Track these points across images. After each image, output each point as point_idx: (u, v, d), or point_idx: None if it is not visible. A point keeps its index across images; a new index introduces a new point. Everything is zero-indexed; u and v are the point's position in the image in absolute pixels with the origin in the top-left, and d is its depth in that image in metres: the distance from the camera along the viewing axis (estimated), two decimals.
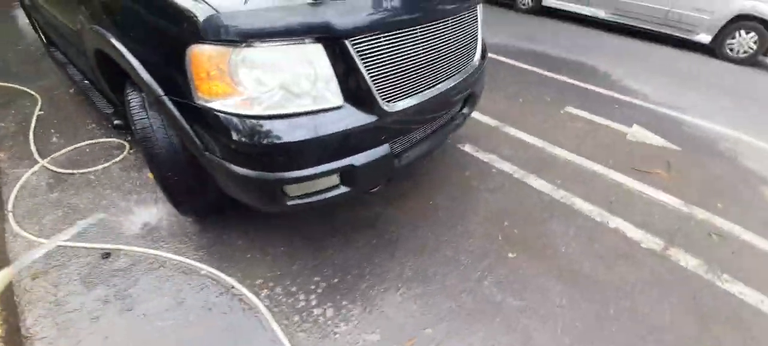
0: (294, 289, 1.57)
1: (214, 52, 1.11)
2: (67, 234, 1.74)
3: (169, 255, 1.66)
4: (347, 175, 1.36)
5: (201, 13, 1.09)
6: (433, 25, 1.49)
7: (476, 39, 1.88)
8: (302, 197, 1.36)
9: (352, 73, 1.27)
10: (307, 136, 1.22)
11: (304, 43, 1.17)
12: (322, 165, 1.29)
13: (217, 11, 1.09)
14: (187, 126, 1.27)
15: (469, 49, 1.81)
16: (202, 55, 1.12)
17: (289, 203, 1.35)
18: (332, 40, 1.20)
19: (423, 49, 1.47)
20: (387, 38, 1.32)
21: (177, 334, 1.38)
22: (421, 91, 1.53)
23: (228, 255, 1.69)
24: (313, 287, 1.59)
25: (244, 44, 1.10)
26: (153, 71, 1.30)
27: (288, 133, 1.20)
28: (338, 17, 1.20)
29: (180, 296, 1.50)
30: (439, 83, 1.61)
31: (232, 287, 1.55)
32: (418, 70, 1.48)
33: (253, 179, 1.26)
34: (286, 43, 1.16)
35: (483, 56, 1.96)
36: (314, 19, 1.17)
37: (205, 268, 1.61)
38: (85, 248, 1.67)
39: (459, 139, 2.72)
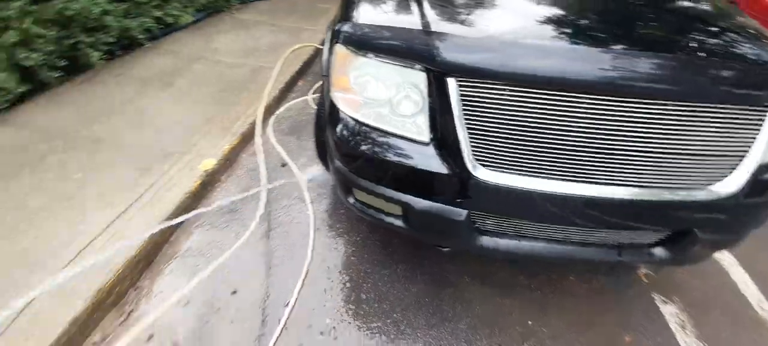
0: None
1: (343, 53, 1.23)
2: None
3: None
4: (407, 212, 1.29)
5: (344, 20, 1.27)
6: (615, 101, 1.00)
7: (735, 154, 1.12)
8: (363, 205, 1.41)
9: (446, 114, 1.10)
10: (376, 154, 1.21)
11: (413, 68, 1.13)
12: (382, 188, 1.26)
13: (352, 21, 1.24)
14: (327, 101, 1.40)
15: (698, 161, 1.10)
16: (339, 53, 1.25)
17: (352, 202, 1.42)
18: (436, 73, 1.10)
19: (572, 126, 1.04)
20: (512, 91, 1.04)
21: None
22: (542, 177, 1.11)
23: None
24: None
25: (361, 53, 1.18)
26: (327, 58, 1.50)
27: (366, 144, 1.23)
28: (448, 50, 1.08)
29: None
30: (584, 181, 1.11)
31: None
32: (547, 147, 1.07)
33: (337, 165, 1.36)
34: (395, 63, 1.15)
35: (755, 188, 1.14)
36: (424, 46, 1.11)
37: None
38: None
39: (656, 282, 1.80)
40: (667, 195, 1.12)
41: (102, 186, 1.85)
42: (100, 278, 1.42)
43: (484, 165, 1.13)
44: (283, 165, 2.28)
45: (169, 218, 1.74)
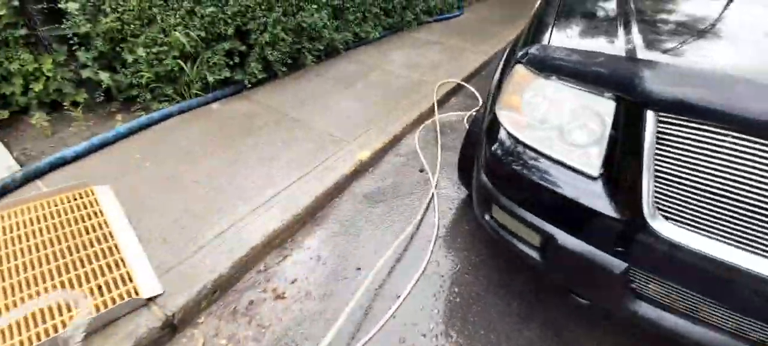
0: None
1: (523, 73, 1.23)
2: None
3: None
4: (546, 245, 1.18)
5: (531, 43, 1.27)
6: None
7: None
8: (499, 225, 1.36)
9: (631, 151, 0.96)
10: (531, 177, 1.15)
11: (601, 95, 1.04)
12: (526, 211, 1.19)
13: (541, 44, 1.23)
14: (487, 118, 1.42)
15: None
16: (518, 72, 1.25)
17: (487, 218, 1.39)
18: (631, 104, 0.97)
19: None
20: (728, 137, 0.84)
21: None
22: (748, 251, 0.87)
23: None
24: None
25: (543, 75, 1.16)
26: (498, 78, 1.54)
27: (522, 164, 1.19)
28: (655, 80, 0.94)
29: None
30: None
31: None
32: (762, 212, 0.84)
33: (482, 180, 1.35)
34: (581, 88, 1.08)
35: None
36: (624, 74, 1.00)
37: None
38: None
39: None
40: None
41: (292, 154, 2.43)
42: (273, 223, 1.90)
43: (666, 216, 0.95)
44: (421, 170, 2.46)
45: (328, 192, 2.15)
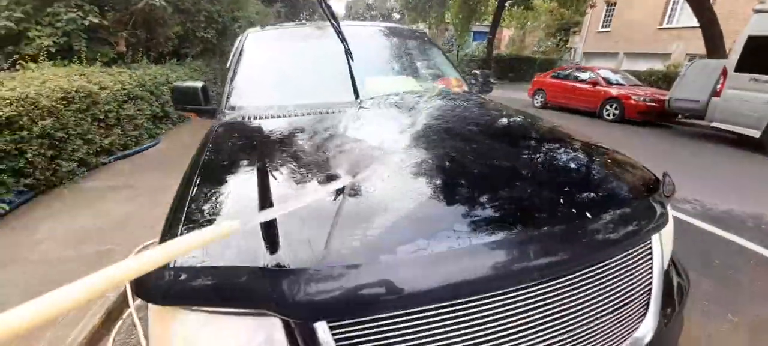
0: None
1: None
2: None
3: None
4: None
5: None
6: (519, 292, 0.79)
7: (642, 293, 0.98)
8: None
9: None
10: None
11: (264, 315, 0.73)
12: None
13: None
14: None
15: (612, 319, 0.93)
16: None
17: None
18: (297, 321, 0.73)
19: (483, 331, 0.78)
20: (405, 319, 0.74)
21: None
22: None
23: None
24: None
25: (185, 307, 0.75)
26: None
27: None
28: (311, 290, 0.70)
29: None
30: None
31: None
32: None
33: None
34: (233, 313, 0.74)
35: (666, 316, 1.01)
36: (273, 289, 0.71)
37: None
38: None
39: None
40: None
41: None
42: None
43: None
44: None
45: None
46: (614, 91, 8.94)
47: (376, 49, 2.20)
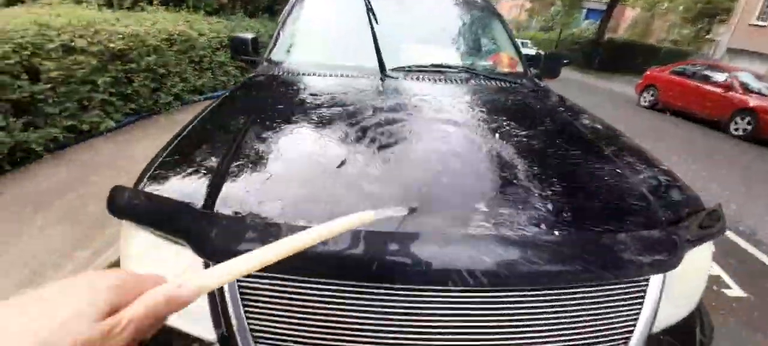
0: None
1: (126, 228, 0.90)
2: None
3: None
4: None
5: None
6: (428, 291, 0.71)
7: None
8: None
9: (225, 310, 0.76)
10: None
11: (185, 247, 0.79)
12: None
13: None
14: None
15: None
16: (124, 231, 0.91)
17: None
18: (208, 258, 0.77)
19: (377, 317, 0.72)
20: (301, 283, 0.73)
21: None
22: None
23: None
24: None
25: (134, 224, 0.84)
26: None
27: None
28: (214, 232, 0.75)
29: None
30: None
31: None
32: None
33: None
34: (170, 239, 0.80)
35: None
36: (189, 225, 0.78)
37: None
38: None
39: None
40: None
41: None
42: None
43: None
44: None
45: None
46: (752, 101, 7.14)
47: (424, 16, 2.07)
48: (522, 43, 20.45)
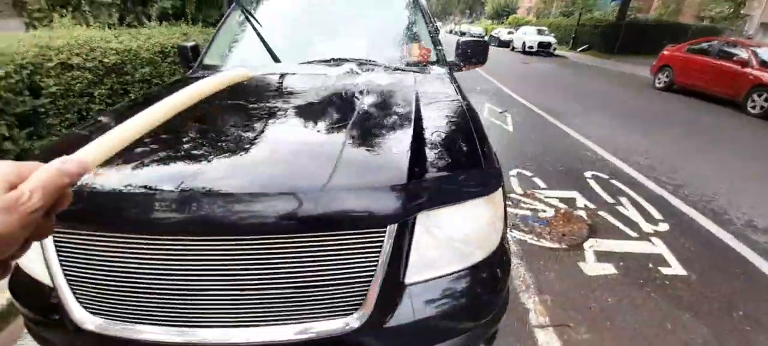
0: None
1: None
2: None
3: None
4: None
5: None
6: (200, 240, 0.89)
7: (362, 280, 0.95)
8: None
9: (48, 261, 1.01)
10: None
11: None
12: None
13: None
14: None
15: (322, 293, 0.94)
16: None
17: None
18: None
19: (161, 267, 0.91)
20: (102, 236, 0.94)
21: None
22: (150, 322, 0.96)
23: None
24: None
25: None
26: None
27: None
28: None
29: None
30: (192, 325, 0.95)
31: None
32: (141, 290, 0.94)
33: None
34: None
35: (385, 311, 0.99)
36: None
37: None
38: None
39: None
40: (294, 333, 0.94)
41: None
42: None
43: (93, 313, 0.99)
44: None
45: None
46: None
47: (344, 14, 2.24)
48: (538, 31, 19.82)
